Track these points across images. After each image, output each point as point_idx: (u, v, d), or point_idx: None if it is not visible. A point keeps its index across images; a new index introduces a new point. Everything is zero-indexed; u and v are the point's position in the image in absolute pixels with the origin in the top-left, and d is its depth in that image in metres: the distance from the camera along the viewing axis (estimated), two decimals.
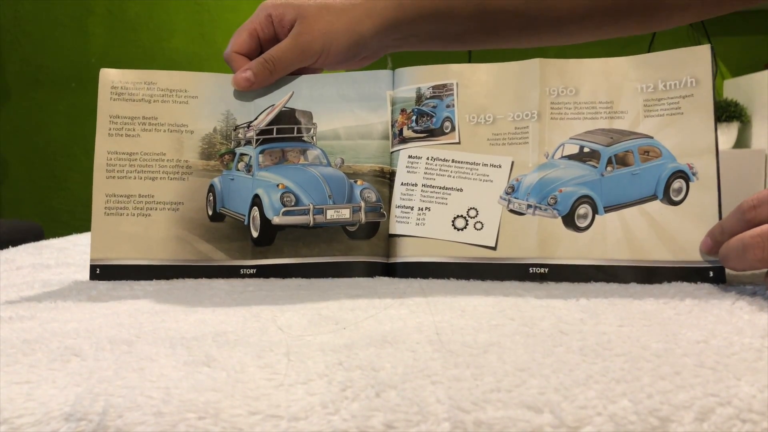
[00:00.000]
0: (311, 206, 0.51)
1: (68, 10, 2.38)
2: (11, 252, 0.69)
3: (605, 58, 0.50)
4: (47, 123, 2.41)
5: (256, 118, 0.54)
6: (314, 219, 0.50)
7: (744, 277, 0.45)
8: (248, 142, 0.53)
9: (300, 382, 0.26)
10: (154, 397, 0.25)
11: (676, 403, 0.24)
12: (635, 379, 0.25)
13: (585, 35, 0.60)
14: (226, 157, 0.53)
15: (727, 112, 1.99)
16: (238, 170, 0.53)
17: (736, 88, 2.16)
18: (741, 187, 1.88)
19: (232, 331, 0.33)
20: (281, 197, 0.51)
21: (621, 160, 0.47)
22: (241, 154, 0.53)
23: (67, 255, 0.66)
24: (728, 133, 2.02)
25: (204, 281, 0.50)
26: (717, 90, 2.27)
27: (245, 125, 0.54)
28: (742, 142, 2.08)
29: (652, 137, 0.47)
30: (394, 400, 0.24)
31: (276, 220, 0.51)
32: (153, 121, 0.53)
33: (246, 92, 0.54)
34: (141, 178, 0.52)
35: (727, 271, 0.43)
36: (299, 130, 0.53)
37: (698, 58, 0.47)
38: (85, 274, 0.54)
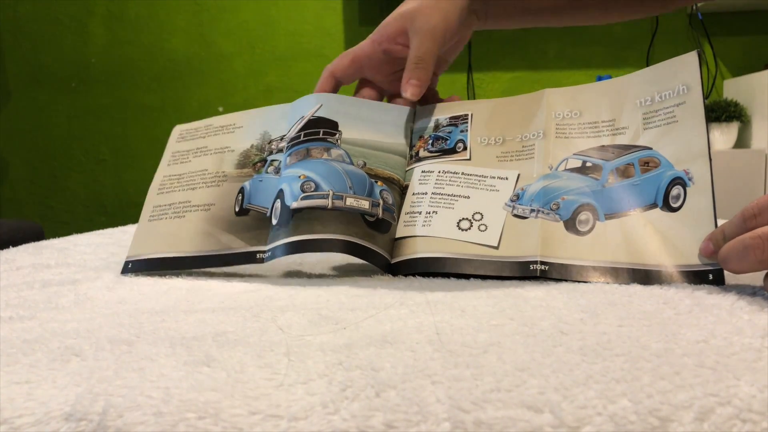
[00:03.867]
0: (331, 192, 0.51)
1: (68, 10, 2.38)
2: (11, 252, 0.69)
3: (607, 80, 0.53)
4: (47, 123, 2.41)
5: (288, 131, 0.57)
6: (333, 203, 0.50)
7: (744, 277, 0.45)
8: (280, 151, 0.56)
9: (300, 382, 0.26)
10: (154, 397, 0.25)
11: (676, 403, 0.24)
12: (635, 379, 0.25)
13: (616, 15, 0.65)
14: (258, 164, 0.57)
15: (727, 112, 1.99)
16: (268, 173, 0.56)
17: (736, 88, 2.17)
18: (741, 188, 1.88)
19: (232, 331, 0.33)
20: (302, 185, 0.52)
21: (622, 173, 0.48)
22: (272, 160, 0.56)
23: (67, 255, 0.66)
24: (728, 133, 2.02)
25: (204, 281, 0.50)
26: (717, 90, 2.27)
27: (278, 138, 0.58)
28: (742, 142, 2.08)
29: (651, 148, 0.48)
30: (394, 400, 0.24)
31: (294, 205, 0.51)
32: (203, 150, 0.60)
33: (283, 115, 0.59)
34: (184, 190, 0.58)
35: (727, 273, 0.43)
36: (325, 132, 0.55)
37: (687, 64, 0.49)
38: (86, 274, 0.54)
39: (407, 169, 0.55)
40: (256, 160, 0.57)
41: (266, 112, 0.60)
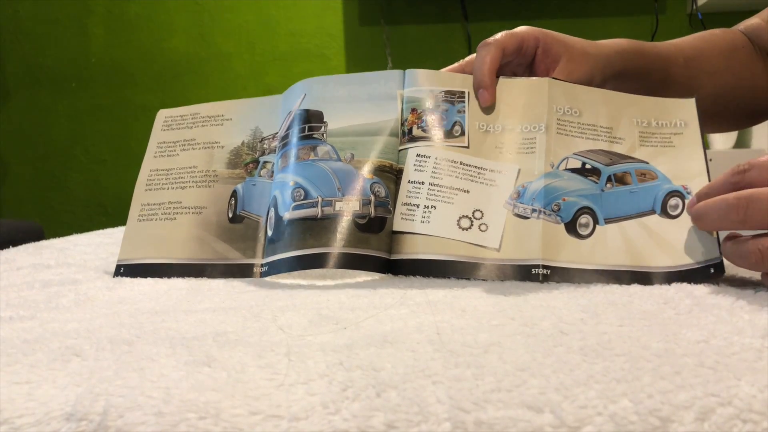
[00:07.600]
0: (320, 199, 0.50)
1: (68, 10, 2.38)
2: (11, 252, 0.69)
3: (606, 90, 0.54)
4: (47, 123, 2.41)
5: (279, 129, 0.56)
6: (322, 211, 0.50)
7: (744, 276, 0.45)
8: (272, 151, 0.56)
9: (300, 382, 0.26)
10: (154, 397, 0.25)
11: (676, 403, 0.24)
12: (636, 379, 0.25)
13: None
14: (251, 165, 0.56)
15: None
16: (261, 176, 0.55)
17: None
18: None
19: (232, 331, 0.33)
20: (292, 193, 0.51)
21: (620, 179, 0.49)
22: (265, 162, 0.55)
23: (67, 255, 0.66)
24: (728, 134, 2.02)
25: (204, 281, 0.50)
26: None
27: (270, 136, 0.57)
28: (742, 142, 2.08)
29: (647, 162, 0.50)
30: (394, 400, 0.24)
31: (287, 215, 0.51)
32: (191, 142, 0.58)
33: (274, 108, 0.57)
34: (173, 188, 0.56)
35: (727, 265, 0.43)
36: (310, 129, 0.54)
37: (685, 108, 0.52)
38: (86, 274, 0.54)
39: (400, 149, 0.52)
40: (248, 161, 0.56)
41: (256, 104, 0.59)
